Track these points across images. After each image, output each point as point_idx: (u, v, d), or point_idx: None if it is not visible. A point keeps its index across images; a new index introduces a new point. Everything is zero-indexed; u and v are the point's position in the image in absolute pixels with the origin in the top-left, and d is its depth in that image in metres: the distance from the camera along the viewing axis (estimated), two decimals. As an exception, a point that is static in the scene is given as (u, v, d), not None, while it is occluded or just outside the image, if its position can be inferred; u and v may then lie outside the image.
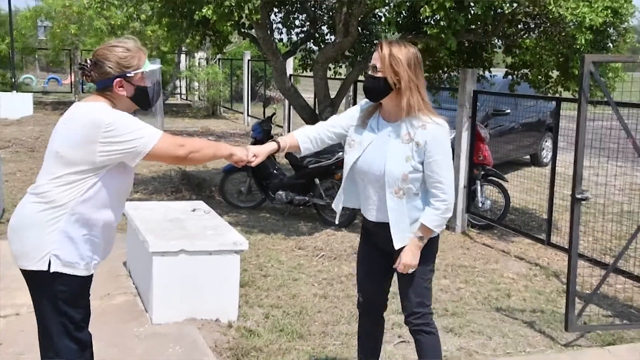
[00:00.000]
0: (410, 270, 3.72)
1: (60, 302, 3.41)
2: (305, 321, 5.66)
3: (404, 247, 3.73)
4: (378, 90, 3.69)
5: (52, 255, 3.31)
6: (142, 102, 3.59)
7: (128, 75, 3.43)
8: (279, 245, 7.85)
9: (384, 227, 3.74)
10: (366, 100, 3.96)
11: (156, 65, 3.69)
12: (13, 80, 24.00)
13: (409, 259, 3.70)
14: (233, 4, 7.80)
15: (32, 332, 3.51)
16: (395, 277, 4.01)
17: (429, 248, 3.80)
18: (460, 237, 8.68)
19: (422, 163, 3.64)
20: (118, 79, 3.40)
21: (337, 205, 4.09)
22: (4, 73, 24.39)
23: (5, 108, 19.74)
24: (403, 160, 3.63)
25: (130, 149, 3.31)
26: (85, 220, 3.39)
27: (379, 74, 3.63)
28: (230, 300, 5.55)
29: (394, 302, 5.96)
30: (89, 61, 3.49)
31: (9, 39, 24.08)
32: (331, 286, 6.55)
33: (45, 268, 3.32)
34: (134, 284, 6.18)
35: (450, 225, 8.85)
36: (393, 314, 5.78)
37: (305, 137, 3.97)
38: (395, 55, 3.59)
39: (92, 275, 3.58)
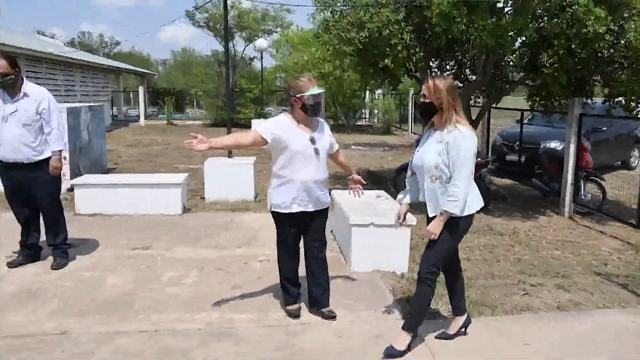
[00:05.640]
0: (432, 237, 3.56)
1: None
2: (454, 277, 5.30)
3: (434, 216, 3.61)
4: (428, 111, 3.63)
5: None
6: (307, 112, 3.98)
7: (298, 95, 3.93)
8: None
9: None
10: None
11: (315, 92, 3.95)
12: (261, 111, 25.08)
13: (431, 228, 3.57)
14: (405, 56, 7.73)
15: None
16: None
17: (453, 226, 3.56)
18: (568, 221, 7.93)
19: (448, 157, 3.51)
20: (293, 97, 3.97)
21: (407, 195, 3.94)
22: (256, 107, 25.44)
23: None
24: (436, 154, 3.54)
25: None
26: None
27: (428, 100, 3.60)
28: (403, 258, 5.39)
29: (507, 266, 5.59)
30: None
31: (260, 86, 25.20)
32: (472, 252, 6.14)
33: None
34: (337, 245, 6.10)
35: (559, 212, 8.26)
36: (519, 274, 5.39)
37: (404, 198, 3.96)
38: (437, 86, 3.56)
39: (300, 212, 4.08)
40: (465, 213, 3.53)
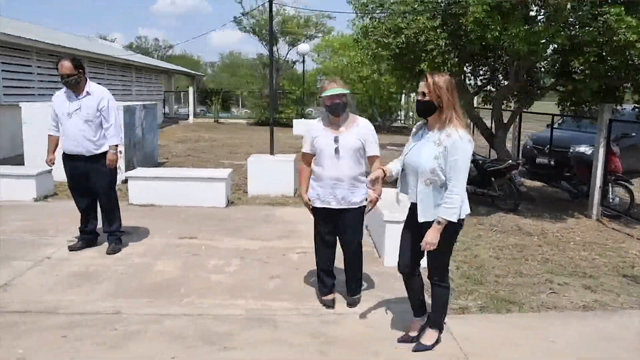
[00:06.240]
0: (431, 248, 3.27)
1: None
2: (483, 273, 5.20)
3: (426, 222, 3.31)
4: (427, 109, 3.33)
5: None
6: (328, 112, 4.00)
7: (320, 97, 4.08)
8: (465, 221, 7.32)
9: (416, 206, 3.40)
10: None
11: (330, 93, 3.92)
12: (302, 111, 25.13)
13: (429, 239, 3.26)
14: (440, 61, 7.64)
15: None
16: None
17: (450, 232, 3.31)
18: (595, 223, 7.68)
19: (445, 162, 3.23)
20: (320, 98, 4.00)
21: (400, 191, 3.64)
22: (297, 108, 25.52)
23: (296, 128, 20.62)
24: (432, 158, 3.25)
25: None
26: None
27: (427, 98, 3.30)
28: None
29: (535, 265, 5.46)
30: None
31: (302, 88, 25.25)
32: (501, 251, 6.00)
33: None
34: (372, 240, 6.07)
35: (587, 214, 8.00)
36: (546, 273, 5.27)
37: (395, 167, 3.57)
38: (437, 83, 3.27)
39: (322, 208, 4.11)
40: (462, 216, 3.32)
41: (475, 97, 10.70)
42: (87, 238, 5.67)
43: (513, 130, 10.91)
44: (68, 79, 5.15)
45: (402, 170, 3.53)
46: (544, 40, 7.10)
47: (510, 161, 8.31)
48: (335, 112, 3.99)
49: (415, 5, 7.84)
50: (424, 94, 3.32)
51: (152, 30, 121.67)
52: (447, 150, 3.20)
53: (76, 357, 3.42)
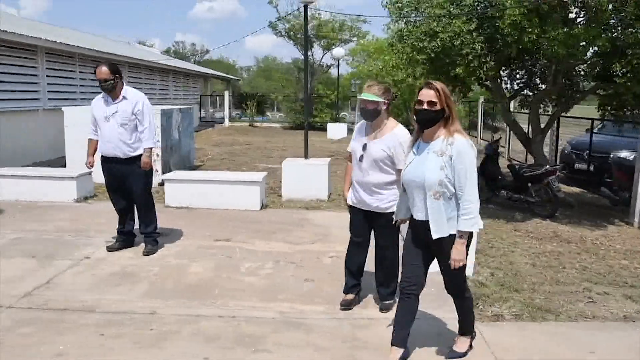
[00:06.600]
0: (461, 264, 3.13)
1: None
2: (519, 280, 5.09)
3: (440, 238, 3.14)
4: (435, 120, 3.12)
5: None
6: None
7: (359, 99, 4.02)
8: (501, 227, 7.21)
9: (426, 224, 3.17)
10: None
11: (362, 97, 3.94)
12: (336, 115, 25.15)
13: (457, 256, 3.11)
14: (476, 65, 7.53)
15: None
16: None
17: (468, 242, 3.19)
18: (637, 231, 7.44)
19: (453, 172, 3.07)
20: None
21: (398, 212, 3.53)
22: (331, 112, 25.57)
23: (331, 132, 20.66)
24: (438, 169, 3.08)
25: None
26: None
27: (437, 107, 3.09)
28: (469, 261, 5.10)
29: (573, 273, 5.31)
30: None
31: (336, 92, 25.28)
32: (538, 258, 5.87)
33: None
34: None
35: (629, 222, 7.76)
36: (585, 282, 5.13)
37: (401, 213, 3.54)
38: (445, 92, 3.11)
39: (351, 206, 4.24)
40: (481, 226, 3.18)
41: (512, 102, 10.53)
42: (125, 239, 5.80)
43: (550, 135, 10.70)
44: (105, 83, 5.29)
45: (404, 191, 3.37)
46: (583, 43, 6.95)
47: (547, 166, 8.15)
48: (364, 117, 4.03)
49: (451, 9, 7.76)
50: (432, 103, 3.10)
51: (189, 35, 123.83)
52: (452, 159, 3.06)
53: (113, 355, 3.49)
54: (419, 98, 3.15)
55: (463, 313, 3.58)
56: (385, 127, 4.01)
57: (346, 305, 4.30)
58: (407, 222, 3.47)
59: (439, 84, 3.14)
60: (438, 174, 3.08)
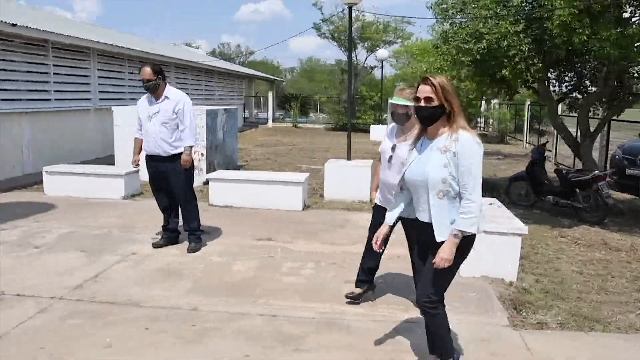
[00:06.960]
0: (446, 264, 2.86)
1: None
2: (565, 288, 4.95)
3: (444, 242, 2.89)
4: (435, 116, 2.92)
5: None
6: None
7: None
8: (546, 233, 7.04)
9: (430, 226, 2.96)
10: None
11: (392, 102, 3.94)
12: (380, 117, 25.06)
13: (446, 255, 2.85)
14: (523, 67, 7.36)
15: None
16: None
17: (464, 247, 2.92)
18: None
19: (457, 169, 2.86)
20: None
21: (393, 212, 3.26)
22: (374, 113, 25.51)
23: (374, 134, 20.61)
24: (441, 167, 2.87)
25: None
26: None
27: (435, 103, 2.89)
28: (512, 266, 5.11)
29: (623, 282, 5.11)
30: None
31: (380, 94, 25.20)
32: (585, 266, 5.70)
33: None
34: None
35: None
36: (636, 292, 4.96)
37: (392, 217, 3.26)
38: (443, 86, 2.89)
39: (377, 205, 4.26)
40: (481, 230, 2.96)
41: (560, 104, 10.25)
42: (169, 236, 5.93)
43: (600, 139, 10.35)
44: (148, 83, 5.45)
45: (402, 190, 3.21)
46: (638, 44, 6.70)
47: (596, 172, 7.89)
48: (395, 120, 4.08)
49: (498, 10, 7.62)
50: (429, 99, 2.91)
51: (235, 37, 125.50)
52: (456, 156, 2.86)
53: (157, 349, 3.58)
54: (417, 94, 3.00)
55: (431, 334, 3.20)
56: (415, 130, 3.99)
57: (353, 298, 4.38)
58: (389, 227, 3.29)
59: (437, 79, 2.95)
60: (441, 171, 2.89)
